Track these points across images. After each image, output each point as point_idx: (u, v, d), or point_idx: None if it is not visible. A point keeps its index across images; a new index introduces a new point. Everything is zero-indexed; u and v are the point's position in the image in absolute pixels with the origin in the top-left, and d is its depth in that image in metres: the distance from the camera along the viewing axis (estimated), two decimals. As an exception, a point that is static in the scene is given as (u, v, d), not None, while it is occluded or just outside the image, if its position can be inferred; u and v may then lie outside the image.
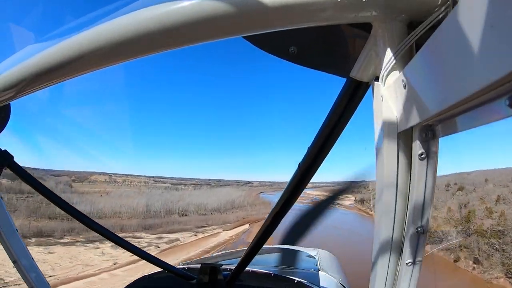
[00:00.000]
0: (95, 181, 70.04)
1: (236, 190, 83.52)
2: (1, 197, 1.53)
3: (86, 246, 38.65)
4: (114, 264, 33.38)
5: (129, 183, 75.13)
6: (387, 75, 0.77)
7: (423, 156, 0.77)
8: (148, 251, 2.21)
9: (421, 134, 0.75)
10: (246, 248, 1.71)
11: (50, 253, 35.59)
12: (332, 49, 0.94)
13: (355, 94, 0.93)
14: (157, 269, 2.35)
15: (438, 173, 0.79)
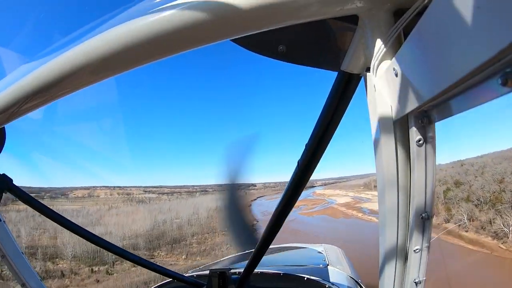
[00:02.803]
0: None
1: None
2: (4, 221, 1.51)
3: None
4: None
5: (109, 196, 59.59)
6: (378, 65, 0.77)
7: (421, 142, 0.77)
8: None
9: (417, 121, 0.76)
10: (253, 250, 1.71)
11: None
12: (321, 44, 0.94)
13: (347, 87, 0.93)
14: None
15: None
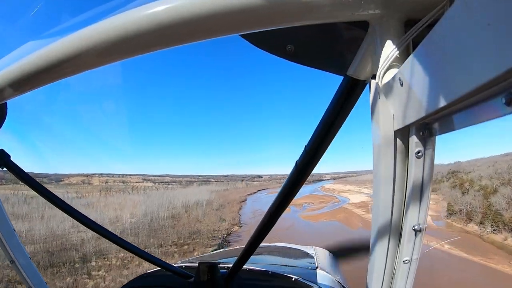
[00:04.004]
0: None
1: (218, 187, 55.31)
2: None
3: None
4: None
5: (103, 184, 58.11)
6: (384, 73, 0.77)
7: (420, 154, 0.78)
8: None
9: (418, 132, 0.76)
10: (244, 246, 1.70)
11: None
12: (329, 47, 0.93)
13: (352, 92, 0.93)
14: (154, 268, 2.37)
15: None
